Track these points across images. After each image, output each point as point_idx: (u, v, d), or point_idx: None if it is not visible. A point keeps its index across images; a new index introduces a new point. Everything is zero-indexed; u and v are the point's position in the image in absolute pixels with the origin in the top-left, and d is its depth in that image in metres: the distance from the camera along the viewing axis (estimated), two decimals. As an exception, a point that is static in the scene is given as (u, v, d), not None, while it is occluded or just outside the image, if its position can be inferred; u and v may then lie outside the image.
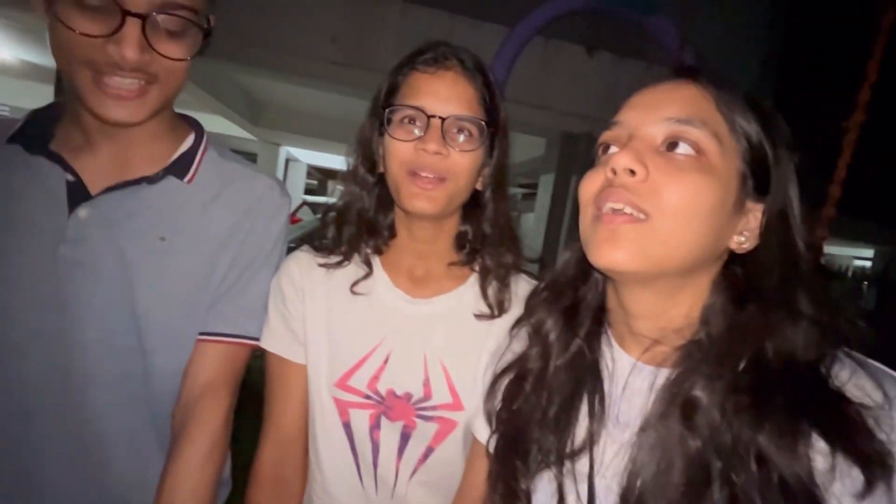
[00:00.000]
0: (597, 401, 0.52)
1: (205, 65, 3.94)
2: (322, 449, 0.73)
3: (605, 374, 0.54)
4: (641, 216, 0.46)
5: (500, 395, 0.59)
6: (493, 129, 0.70)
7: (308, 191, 12.96)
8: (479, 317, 0.71)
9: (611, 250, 0.47)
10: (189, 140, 0.69)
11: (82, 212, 0.62)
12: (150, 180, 0.64)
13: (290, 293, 0.72)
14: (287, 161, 9.57)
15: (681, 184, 0.45)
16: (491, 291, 0.72)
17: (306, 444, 0.75)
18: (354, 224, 0.73)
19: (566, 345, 0.55)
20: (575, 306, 0.56)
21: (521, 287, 0.74)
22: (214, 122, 6.39)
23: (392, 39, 3.38)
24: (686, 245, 0.46)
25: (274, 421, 0.74)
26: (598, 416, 0.52)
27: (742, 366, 0.44)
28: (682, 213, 0.45)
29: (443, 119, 0.65)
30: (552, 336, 0.56)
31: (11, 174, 0.62)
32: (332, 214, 0.75)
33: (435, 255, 0.74)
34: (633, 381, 0.51)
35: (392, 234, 0.75)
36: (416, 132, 0.66)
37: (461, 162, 0.66)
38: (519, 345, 0.60)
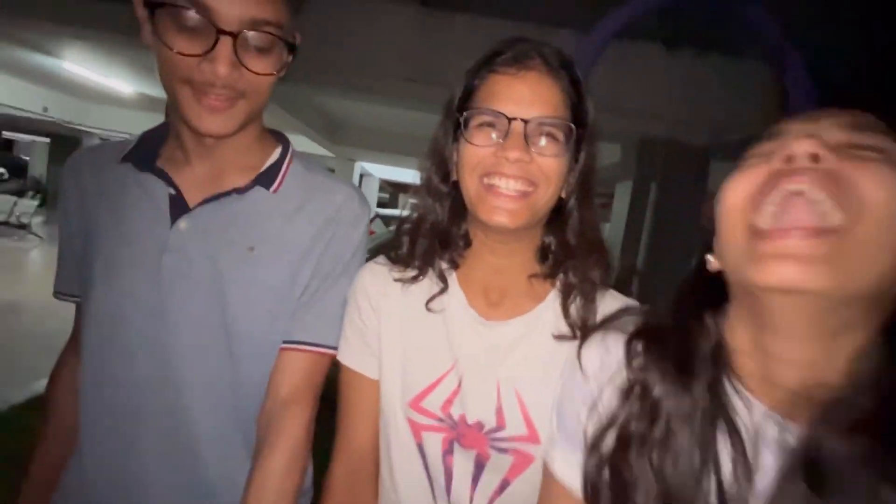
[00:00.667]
0: (739, 461, 0.43)
1: (285, 88, 4.21)
2: (396, 468, 0.71)
3: (742, 429, 0.44)
4: (834, 219, 0.37)
5: (603, 456, 0.50)
6: (581, 130, 0.64)
7: (380, 204, 13.44)
8: (558, 338, 0.65)
9: (788, 264, 0.37)
10: (276, 153, 0.73)
11: (182, 223, 0.66)
12: (240, 191, 0.68)
13: (364, 306, 0.71)
14: (361, 175, 10.03)
15: (881, 177, 0.37)
16: (573, 309, 0.65)
17: (378, 460, 0.73)
18: (428, 237, 0.70)
19: (684, 401, 0.45)
20: (687, 353, 0.47)
21: (608, 304, 0.67)
22: (297, 141, 6.83)
23: (459, 52, 3.41)
24: (886, 260, 0.37)
25: (346, 435, 0.73)
26: (742, 477, 0.43)
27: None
28: (886, 215, 0.36)
29: (525, 122, 0.60)
30: (660, 391, 0.47)
31: (125, 190, 0.68)
32: (406, 227, 0.73)
33: (514, 268, 0.69)
34: (765, 433, 0.43)
35: (467, 243, 0.71)
36: (495, 137, 0.62)
37: (546, 168, 0.61)
38: (612, 397, 0.51)
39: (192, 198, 0.67)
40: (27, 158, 15.44)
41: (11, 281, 6.08)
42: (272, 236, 0.68)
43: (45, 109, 8.35)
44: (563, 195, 0.67)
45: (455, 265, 0.71)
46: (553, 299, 0.68)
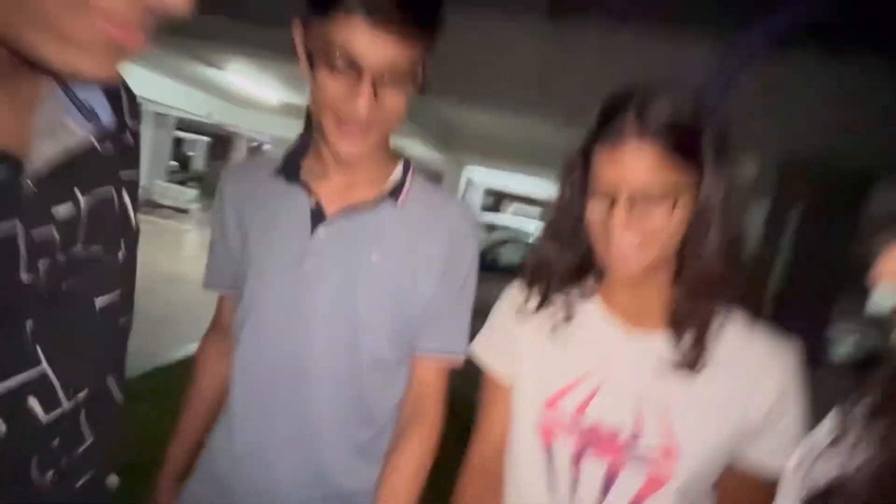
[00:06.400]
0: None
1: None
2: (519, 473, 0.72)
3: None
4: None
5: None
6: (697, 178, 0.61)
7: (483, 209, 13.58)
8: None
9: None
10: (399, 168, 0.79)
11: (321, 231, 0.74)
12: (371, 204, 0.75)
13: (508, 314, 0.76)
14: (467, 181, 10.21)
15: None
16: (688, 338, 0.64)
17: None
18: (556, 275, 0.73)
19: None
20: None
21: (758, 337, 0.65)
22: (409, 145, 7.20)
23: (585, 62, 3.33)
24: None
25: (479, 438, 0.77)
26: None
27: None
28: None
29: (629, 195, 0.60)
30: None
31: (274, 200, 0.78)
32: (535, 265, 0.74)
33: (651, 290, 0.69)
34: None
35: (601, 274, 0.73)
36: (604, 205, 0.63)
37: (661, 226, 0.61)
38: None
39: (329, 208, 0.75)
40: (192, 154, 18.22)
41: (174, 256, 7.24)
42: (396, 247, 0.74)
43: (209, 114, 9.78)
44: (691, 229, 0.64)
45: (583, 295, 0.73)
46: None
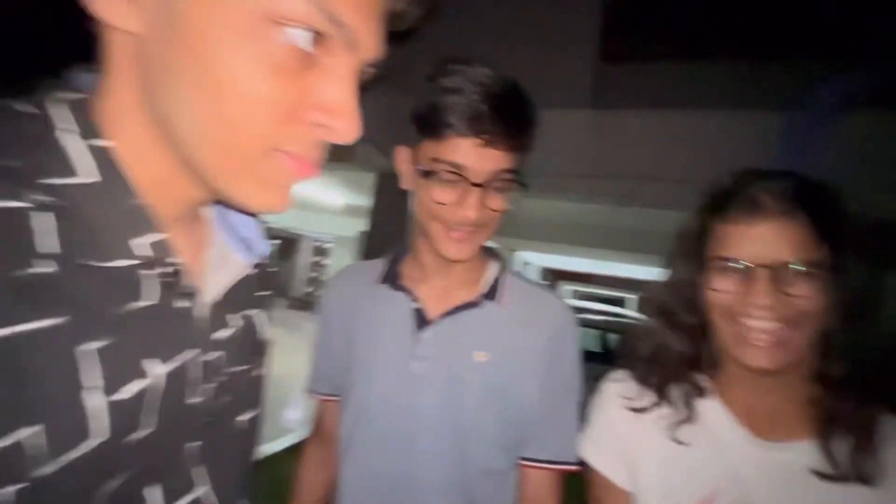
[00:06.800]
0: None
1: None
2: None
3: None
4: None
5: None
6: (838, 259, 0.58)
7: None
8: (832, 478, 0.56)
9: None
10: (495, 267, 0.81)
11: (426, 333, 0.75)
12: (475, 304, 0.77)
13: (616, 411, 0.71)
14: (524, 263, 10.19)
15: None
16: (838, 447, 0.56)
17: None
18: (670, 364, 0.68)
19: None
20: None
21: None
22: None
23: (631, 147, 3.38)
24: None
25: None
26: None
27: None
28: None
29: (771, 268, 0.56)
30: None
31: (384, 306, 0.81)
32: (649, 353, 0.70)
33: (782, 390, 0.62)
34: None
35: (713, 366, 0.67)
36: (739, 283, 0.59)
37: (802, 310, 0.56)
38: None
39: (431, 310, 0.77)
40: (263, 257, 19.60)
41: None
42: (502, 345, 0.75)
43: (278, 219, 10.65)
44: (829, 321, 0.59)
45: (700, 392, 0.66)
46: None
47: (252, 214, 0.47)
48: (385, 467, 0.73)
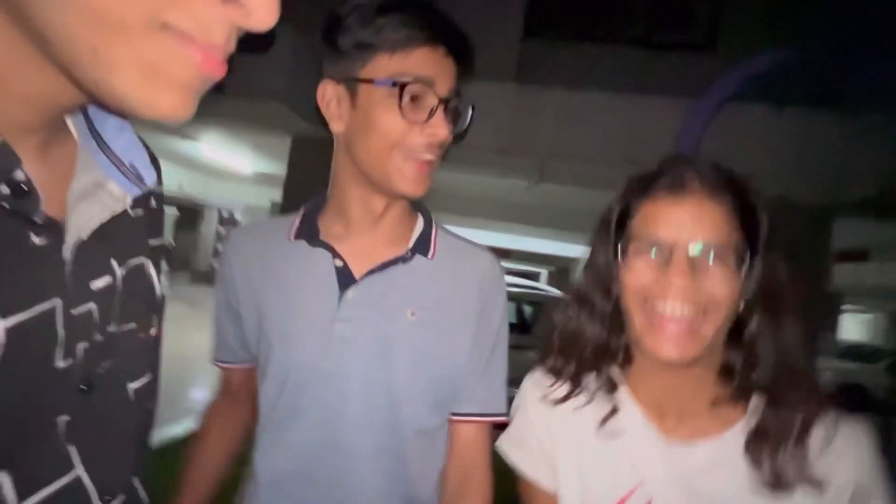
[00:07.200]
0: None
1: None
2: None
3: None
4: None
5: None
6: (753, 246, 0.59)
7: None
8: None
9: None
10: (421, 221, 0.77)
11: (350, 293, 0.69)
12: (405, 259, 0.72)
13: (533, 407, 0.69)
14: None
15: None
16: (766, 459, 0.56)
17: None
18: (585, 353, 0.66)
19: None
20: None
21: (841, 443, 0.56)
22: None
23: (550, 124, 3.48)
24: None
25: None
26: None
27: None
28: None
29: (687, 247, 0.56)
30: None
31: (300, 265, 0.73)
32: (560, 339, 0.69)
33: (690, 388, 0.62)
34: None
35: (628, 359, 0.66)
36: (657, 264, 0.58)
37: (715, 294, 0.56)
38: None
39: (356, 268, 0.71)
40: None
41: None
42: (432, 301, 0.71)
43: (181, 186, 9.74)
44: (742, 313, 0.60)
45: (613, 387, 0.65)
46: (744, 428, 0.59)
47: (134, 120, 0.35)
48: (312, 438, 0.69)
